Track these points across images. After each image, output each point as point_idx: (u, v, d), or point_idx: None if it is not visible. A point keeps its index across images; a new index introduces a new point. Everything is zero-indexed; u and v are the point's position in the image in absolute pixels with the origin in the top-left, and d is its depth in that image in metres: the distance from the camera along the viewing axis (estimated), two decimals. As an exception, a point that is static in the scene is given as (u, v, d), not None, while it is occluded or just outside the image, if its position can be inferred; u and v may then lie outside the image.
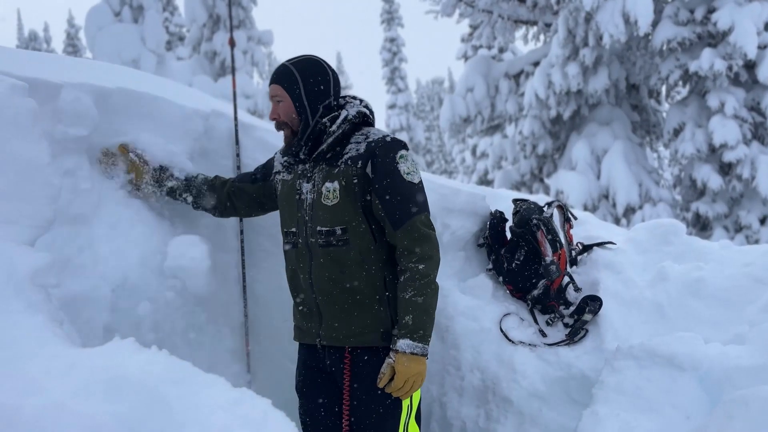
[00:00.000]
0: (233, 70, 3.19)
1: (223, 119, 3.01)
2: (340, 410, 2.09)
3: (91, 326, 2.28)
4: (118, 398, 1.11)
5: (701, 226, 9.81)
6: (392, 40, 24.60)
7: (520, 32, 11.39)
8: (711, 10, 8.91)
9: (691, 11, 9.13)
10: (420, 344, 1.95)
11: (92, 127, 2.40)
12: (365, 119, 2.14)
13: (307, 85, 2.07)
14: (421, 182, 2.05)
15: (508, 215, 3.06)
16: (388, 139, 2.05)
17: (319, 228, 2.05)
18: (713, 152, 9.34)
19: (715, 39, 9.07)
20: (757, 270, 2.68)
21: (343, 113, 2.09)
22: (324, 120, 2.07)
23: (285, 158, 2.22)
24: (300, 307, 2.18)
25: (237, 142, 2.96)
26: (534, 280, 2.85)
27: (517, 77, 11.52)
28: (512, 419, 2.62)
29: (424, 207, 2.04)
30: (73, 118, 2.29)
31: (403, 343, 1.94)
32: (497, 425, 2.64)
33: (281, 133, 2.16)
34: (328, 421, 2.15)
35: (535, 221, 2.85)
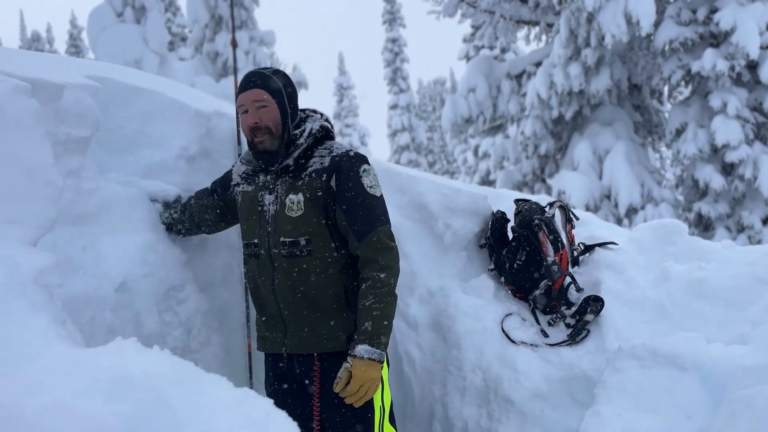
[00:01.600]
0: (235, 71, 3.20)
1: (224, 119, 3.02)
2: (310, 409, 2.11)
3: (94, 326, 2.29)
4: (121, 398, 1.11)
5: (703, 226, 9.79)
6: (394, 40, 24.61)
7: (522, 32, 11.38)
8: (713, 10, 8.90)
9: (694, 11, 9.11)
10: (378, 350, 1.97)
11: (95, 128, 2.41)
12: (327, 133, 2.18)
13: (288, 95, 2.12)
14: (382, 196, 2.12)
15: (510, 215, 3.06)
16: (352, 153, 2.10)
17: (282, 239, 2.07)
18: (715, 152, 9.32)
19: (717, 39, 9.05)
20: (759, 270, 2.67)
21: (308, 126, 2.13)
22: (295, 131, 2.12)
23: (245, 169, 2.22)
24: (263, 318, 2.19)
25: (239, 142, 2.97)
26: (536, 281, 2.84)
27: (519, 77, 11.51)
28: (514, 419, 2.62)
29: (386, 220, 2.09)
30: (76, 119, 2.29)
31: (361, 348, 1.96)
32: (499, 425, 2.64)
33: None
34: None
35: (536, 221, 2.85)
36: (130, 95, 2.76)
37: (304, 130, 2.12)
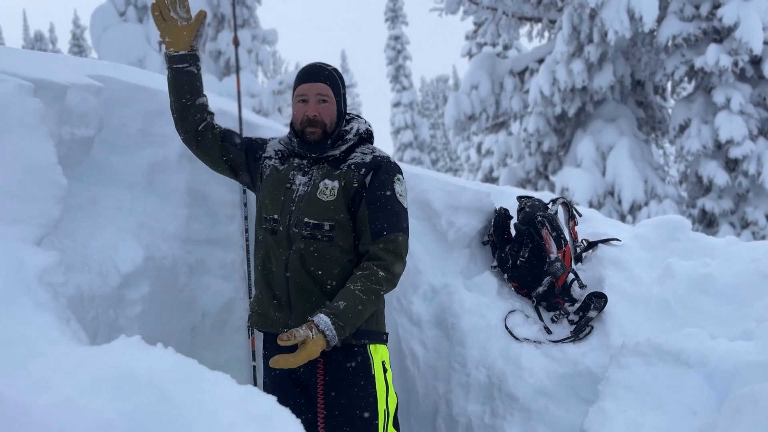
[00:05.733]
0: (237, 70, 3.20)
1: (227, 118, 3.03)
2: (314, 412, 2.06)
3: (98, 324, 2.30)
4: (126, 396, 1.12)
5: (707, 222, 9.77)
6: (396, 38, 24.57)
7: (524, 29, 11.37)
8: (716, 6, 8.87)
9: (697, 7, 9.08)
10: (335, 333, 1.86)
11: (98, 128, 2.41)
12: (369, 137, 2.25)
13: (344, 93, 2.21)
14: (407, 209, 2.14)
15: (513, 213, 3.06)
16: (393, 160, 2.18)
17: (306, 219, 2.06)
18: (719, 148, 9.29)
19: (720, 34, 9.02)
20: (764, 266, 2.66)
21: (356, 125, 2.21)
22: (345, 128, 2.19)
23: (279, 148, 2.23)
24: (269, 294, 2.12)
25: (242, 140, 2.97)
26: (539, 277, 2.84)
27: (522, 74, 11.48)
28: (518, 416, 2.62)
29: (407, 230, 2.09)
30: (80, 119, 2.30)
31: (323, 319, 1.86)
32: (503, 422, 2.64)
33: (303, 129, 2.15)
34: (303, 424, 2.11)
35: (539, 218, 2.85)
36: (133, 94, 2.77)
37: (352, 128, 2.20)
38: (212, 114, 2.32)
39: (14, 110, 1.81)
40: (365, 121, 2.27)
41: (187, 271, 2.83)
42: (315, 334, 1.84)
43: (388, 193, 2.08)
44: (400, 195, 2.11)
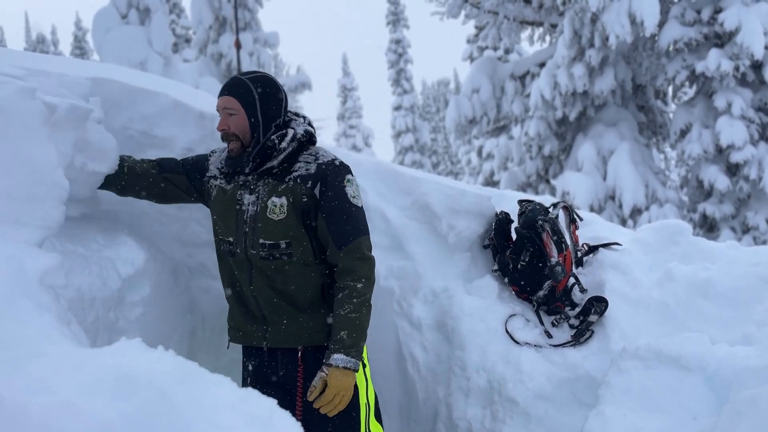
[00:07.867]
0: (239, 73, 3.20)
1: (229, 120, 3.02)
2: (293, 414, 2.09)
3: (98, 326, 2.30)
4: (126, 397, 1.12)
5: (708, 227, 9.76)
6: (398, 41, 24.63)
7: (525, 33, 11.39)
8: (718, 10, 8.89)
9: (698, 11, 9.10)
10: (353, 359, 2.00)
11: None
12: (310, 138, 2.16)
13: (264, 102, 2.09)
14: (362, 206, 2.14)
15: (514, 216, 3.06)
16: (337, 162, 2.11)
17: (262, 241, 2.07)
18: (720, 153, 9.29)
19: (721, 39, 9.03)
20: (765, 270, 2.66)
21: (291, 131, 2.11)
22: (273, 137, 2.09)
23: (224, 167, 2.18)
24: (242, 310, 2.17)
25: (243, 143, 2.97)
26: (539, 281, 2.84)
27: (523, 78, 11.50)
28: (518, 420, 2.62)
29: (366, 230, 2.11)
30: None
31: (337, 357, 1.98)
32: (503, 426, 2.64)
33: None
34: None
35: (540, 222, 2.85)
36: (134, 97, 2.77)
37: (285, 135, 2.10)
38: (129, 160, 2.32)
39: (16, 112, 1.81)
40: (303, 120, 2.19)
41: (188, 273, 2.83)
42: (328, 371, 1.98)
43: (341, 200, 2.06)
44: (353, 197, 2.09)
